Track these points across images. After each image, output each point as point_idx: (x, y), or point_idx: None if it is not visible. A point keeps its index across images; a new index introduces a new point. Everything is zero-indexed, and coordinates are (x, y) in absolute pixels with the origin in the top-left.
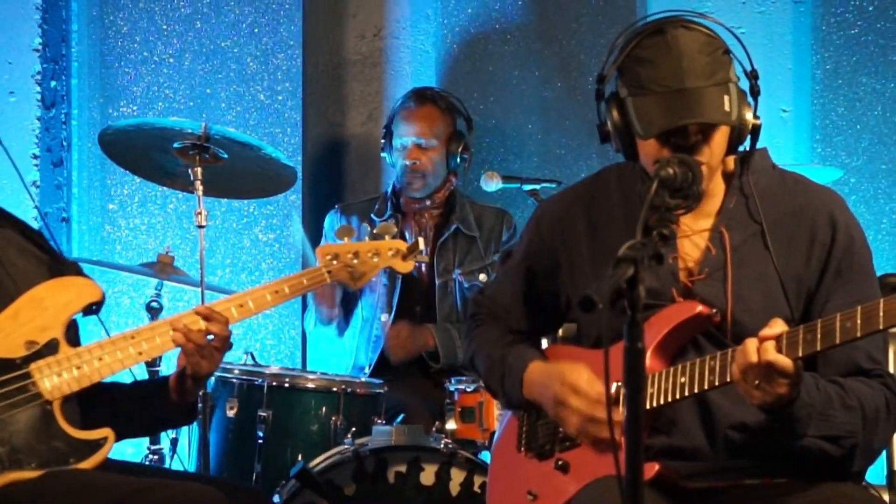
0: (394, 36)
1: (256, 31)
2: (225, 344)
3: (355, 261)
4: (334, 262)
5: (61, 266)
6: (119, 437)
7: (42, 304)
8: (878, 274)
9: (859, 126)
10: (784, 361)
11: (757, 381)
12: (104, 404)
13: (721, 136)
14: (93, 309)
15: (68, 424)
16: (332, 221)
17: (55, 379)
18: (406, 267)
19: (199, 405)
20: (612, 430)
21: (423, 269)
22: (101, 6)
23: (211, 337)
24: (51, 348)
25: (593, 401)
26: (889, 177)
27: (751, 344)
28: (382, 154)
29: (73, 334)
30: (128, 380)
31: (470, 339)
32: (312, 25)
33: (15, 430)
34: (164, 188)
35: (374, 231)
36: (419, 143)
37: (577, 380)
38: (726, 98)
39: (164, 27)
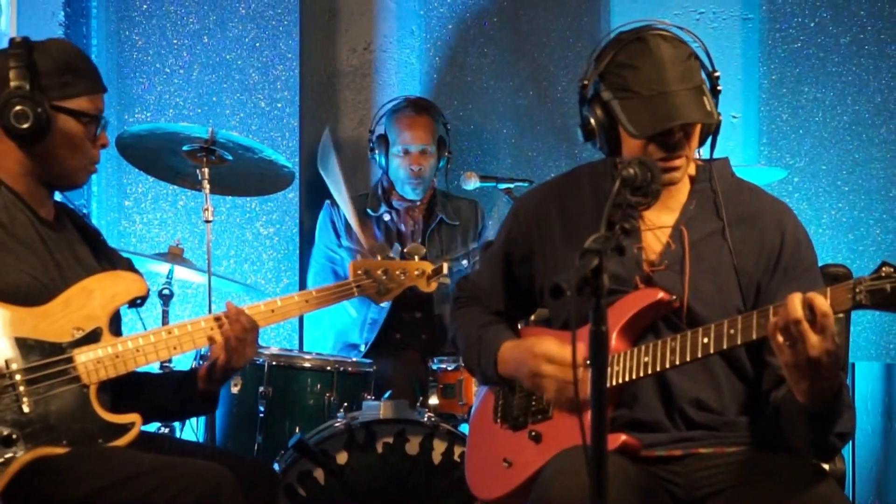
0: (382, 50)
1: (258, 45)
2: (255, 342)
3: (384, 277)
4: (365, 278)
5: (114, 263)
6: (146, 422)
7: (91, 294)
8: (820, 264)
9: (802, 131)
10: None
11: (790, 342)
12: (135, 390)
13: (697, 133)
14: (137, 302)
15: (101, 408)
16: (326, 215)
17: (94, 365)
18: (430, 287)
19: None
20: (577, 397)
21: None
22: (119, 23)
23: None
24: (94, 336)
25: (568, 365)
26: (828, 176)
27: (797, 300)
28: (372, 156)
29: (116, 325)
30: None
31: (453, 319)
32: (308, 40)
33: (53, 408)
34: (175, 187)
35: (406, 251)
36: (423, 150)
37: (548, 349)
38: (704, 99)
39: (175, 42)
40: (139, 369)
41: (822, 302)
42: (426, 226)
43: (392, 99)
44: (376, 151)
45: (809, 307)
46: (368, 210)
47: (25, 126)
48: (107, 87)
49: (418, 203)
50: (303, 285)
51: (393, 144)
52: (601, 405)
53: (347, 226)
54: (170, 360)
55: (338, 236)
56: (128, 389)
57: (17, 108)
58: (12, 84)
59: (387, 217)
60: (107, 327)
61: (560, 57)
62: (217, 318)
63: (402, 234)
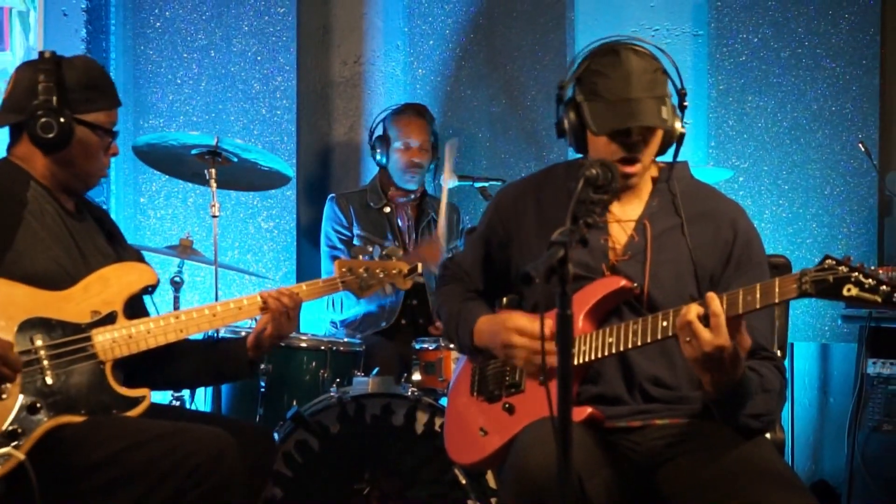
0: (370, 62)
1: (259, 58)
2: (297, 318)
3: (365, 275)
4: (348, 274)
5: (126, 252)
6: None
7: (108, 282)
8: None
9: (746, 135)
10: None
11: (688, 338)
12: (186, 356)
13: (656, 139)
14: (148, 290)
15: (116, 382)
16: (329, 208)
17: (110, 344)
18: (406, 284)
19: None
20: (544, 367)
21: (411, 248)
22: (135, 38)
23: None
24: (110, 319)
25: (536, 336)
26: (770, 176)
27: (693, 305)
28: (373, 154)
29: (130, 309)
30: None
31: (437, 294)
32: (304, 54)
33: (73, 382)
34: (185, 186)
35: (384, 252)
36: (420, 146)
37: (518, 323)
38: (663, 108)
39: (185, 56)
40: (192, 337)
41: (717, 304)
42: (418, 221)
43: (390, 106)
44: (377, 150)
45: (705, 309)
46: (370, 203)
47: (50, 136)
48: (122, 102)
49: (413, 199)
50: (300, 273)
51: (394, 140)
52: (567, 380)
53: (358, 214)
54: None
55: (349, 224)
56: (179, 355)
57: (44, 119)
58: (41, 97)
59: (387, 210)
60: (121, 311)
61: (530, 69)
62: (262, 297)
63: (399, 227)
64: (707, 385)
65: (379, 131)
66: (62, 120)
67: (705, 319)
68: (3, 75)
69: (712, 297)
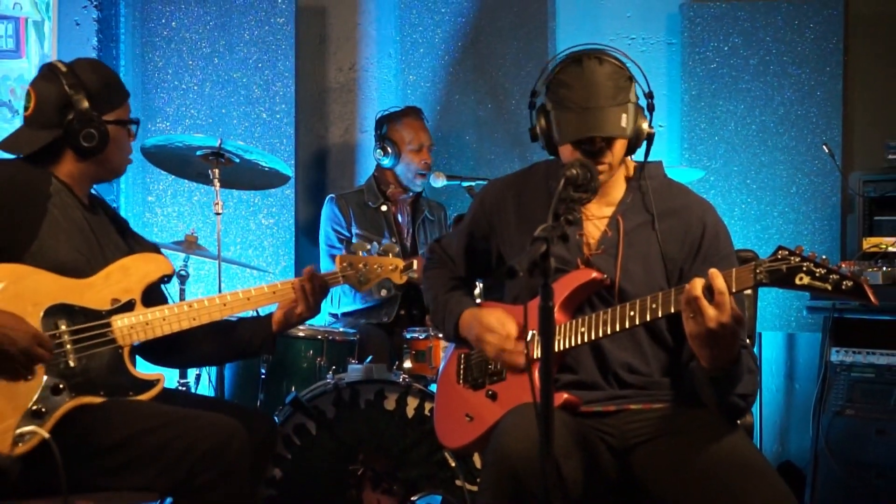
0: (364, 69)
1: (260, 65)
2: (321, 301)
3: (364, 269)
4: (349, 269)
5: (139, 244)
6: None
7: (128, 271)
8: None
9: (717, 137)
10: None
11: (692, 314)
12: (222, 332)
13: (621, 143)
14: (165, 280)
15: (132, 366)
16: (328, 208)
17: (128, 330)
18: (401, 280)
19: None
20: (528, 364)
21: (409, 243)
22: (143, 47)
23: None
24: (129, 306)
25: (503, 336)
26: (739, 176)
27: (698, 280)
28: (386, 158)
29: (147, 297)
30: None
31: (425, 278)
32: (302, 61)
33: (93, 365)
34: (191, 185)
35: (381, 248)
36: (429, 148)
37: (490, 321)
38: (624, 116)
39: (190, 63)
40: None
41: (720, 282)
42: (414, 218)
43: (385, 109)
44: (388, 153)
45: (709, 286)
46: (368, 202)
47: (93, 144)
48: (129, 92)
49: (410, 197)
50: (298, 267)
51: (409, 143)
52: (549, 368)
53: (356, 214)
54: (186, 378)
55: (348, 224)
56: (214, 332)
57: (85, 131)
58: (77, 109)
59: (384, 208)
60: (139, 299)
61: (514, 75)
62: (291, 281)
63: (398, 224)
64: (705, 361)
65: (385, 135)
66: (100, 127)
67: (709, 294)
68: (19, 81)
69: (716, 273)
